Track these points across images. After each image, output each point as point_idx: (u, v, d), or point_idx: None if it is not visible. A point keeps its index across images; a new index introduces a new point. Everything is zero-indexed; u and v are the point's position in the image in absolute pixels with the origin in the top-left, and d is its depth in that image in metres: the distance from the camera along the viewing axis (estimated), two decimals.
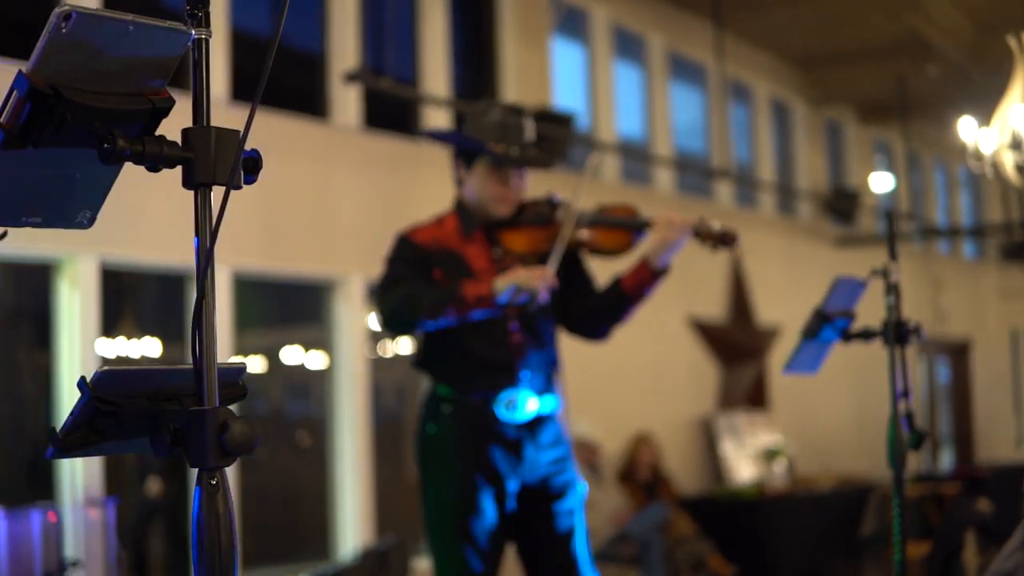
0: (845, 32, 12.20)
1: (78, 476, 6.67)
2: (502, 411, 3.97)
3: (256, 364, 8.56)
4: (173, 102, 1.76)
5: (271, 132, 7.94)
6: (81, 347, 6.73)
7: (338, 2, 8.43)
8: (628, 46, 11.49)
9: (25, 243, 6.53)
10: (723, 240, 4.02)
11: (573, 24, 10.89)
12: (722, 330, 11.97)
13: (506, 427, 3.99)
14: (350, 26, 8.46)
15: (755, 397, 12.25)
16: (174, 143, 1.73)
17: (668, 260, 4.02)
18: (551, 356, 4.13)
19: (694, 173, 10.97)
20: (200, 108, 1.77)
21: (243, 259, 7.64)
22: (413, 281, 4.01)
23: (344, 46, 8.39)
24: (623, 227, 4.13)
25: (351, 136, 8.43)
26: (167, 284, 7.71)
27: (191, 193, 1.77)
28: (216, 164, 1.74)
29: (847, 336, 3.51)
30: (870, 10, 11.40)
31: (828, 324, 3.50)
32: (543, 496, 4.07)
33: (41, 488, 6.86)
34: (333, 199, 8.24)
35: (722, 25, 11.14)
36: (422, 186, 8.66)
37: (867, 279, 3.54)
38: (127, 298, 7.71)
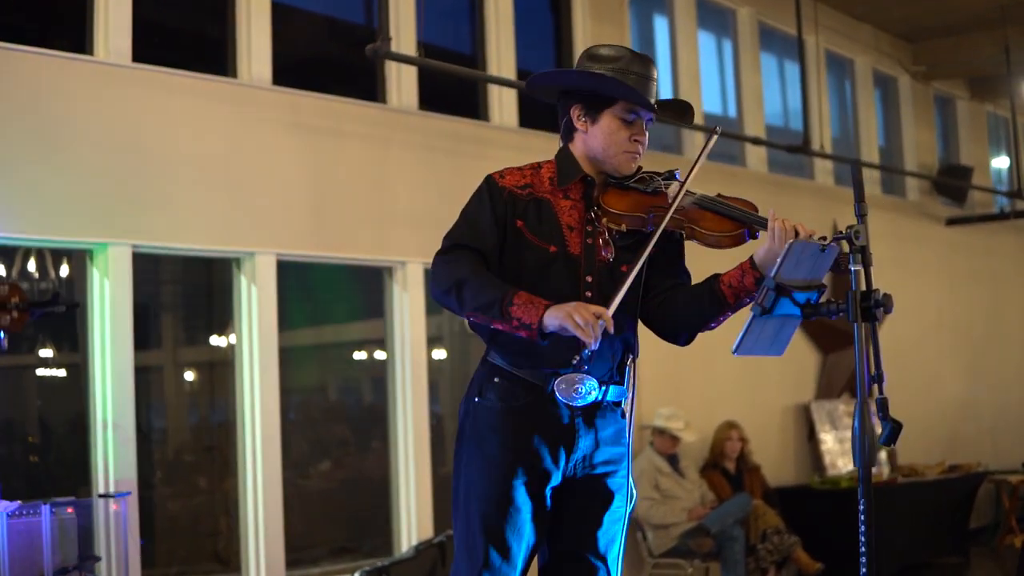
0: (949, 1, 11.66)
1: (111, 469, 6.54)
2: (559, 392, 3.52)
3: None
4: None
5: (325, 113, 7.72)
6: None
7: None
8: (713, 17, 11.05)
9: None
10: (837, 265, 3.41)
11: None
12: None
13: (561, 411, 3.55)
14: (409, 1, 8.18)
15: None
16: None
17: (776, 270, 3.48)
18: (627, 341, 3.65)
19: (790, 150, 10.46)
20: None
21: (291, 247, 7.44)
22: (474, 263, 3.54)
23: (402, 23, 8.10)
24: (735, 219, 3.57)
25: (407, 117, 8.16)
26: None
27: None
28: None
29: (808, 311, 3.08)
30: None
31: (784, 297, 3.07)
32: (586, 495, 3.63)
33: (71, 481, 6.75)
34: (389, 182, 7.98)
35: None
36: (483, 168, 8.36)
37: (826, 244, 3.12)
38: None
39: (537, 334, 3.39)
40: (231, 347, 7.45)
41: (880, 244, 12.23)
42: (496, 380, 3.58)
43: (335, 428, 8.69)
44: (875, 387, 3.06)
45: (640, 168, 3.72)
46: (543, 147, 9.00)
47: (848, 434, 11.21)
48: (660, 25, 10.59)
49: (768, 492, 9.69)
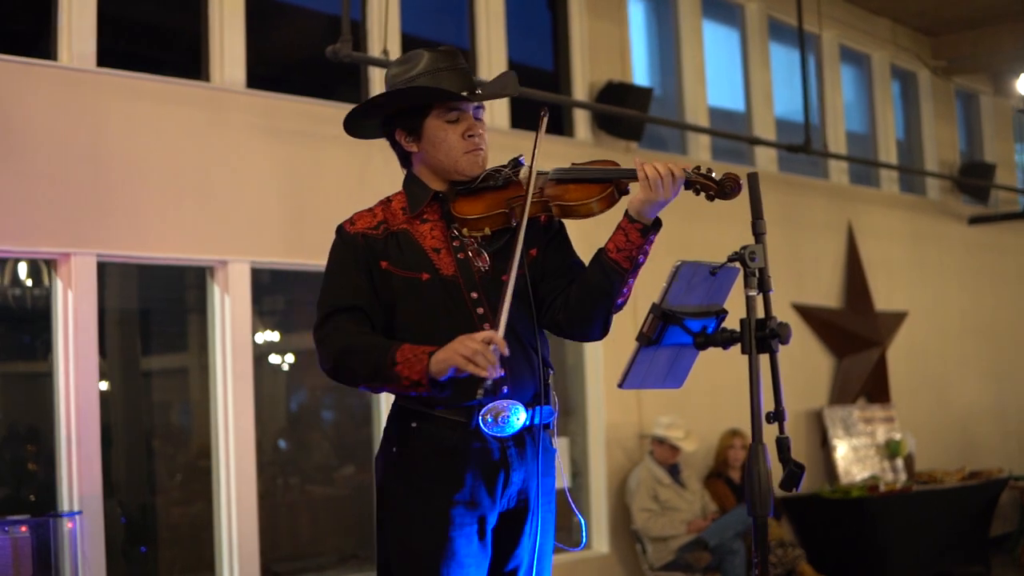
0: None
1: (75, 485, 6.35)
2: (485, 426, 3.27)
3: None
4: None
5: (303, 116, 7.50)
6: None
7: None
8: (720, 11, 10.76)
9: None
10: (723, 190, 3.24)
11: None
12: (835, 318, 11.16)
13: (490, 445, 3.30)
14: None
15: (875, 389, 11.39)
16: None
17: (655, 212, 3.27)
18: (544, 356, 3.42)
19: (790, 149, 10.15)
20: None
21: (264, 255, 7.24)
22: (352, 328, 3.29)
23: (390, 17, 7.86)
24: (599, 180, 3.32)
25: None
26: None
27: None
28: None
29: (700, 341, 2.78)
30: None
31: (674, 325, 2.78)
32: (520, 530, 3.37)
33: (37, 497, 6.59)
34: (371, 187, 7.73)
35: None
36: None
37: (718, 266, 2.83)
38: None
39: (431, 387, 3.16)
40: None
41: (900, 244, 11.95)
42: (415, 425, 3.32)
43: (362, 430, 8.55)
44: (770, 423, 2.78)
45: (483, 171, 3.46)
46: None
47: (863, 441, 10.91)
48: (664, 18, 10.30)
49: (776, 502, 9.40)
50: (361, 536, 8.32)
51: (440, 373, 3.13)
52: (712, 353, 10.87)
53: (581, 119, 9.16)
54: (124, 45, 7.04)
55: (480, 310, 3.31)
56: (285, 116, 7.40)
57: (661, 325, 2.78)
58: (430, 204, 3.44)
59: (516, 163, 3.45)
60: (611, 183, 3.32)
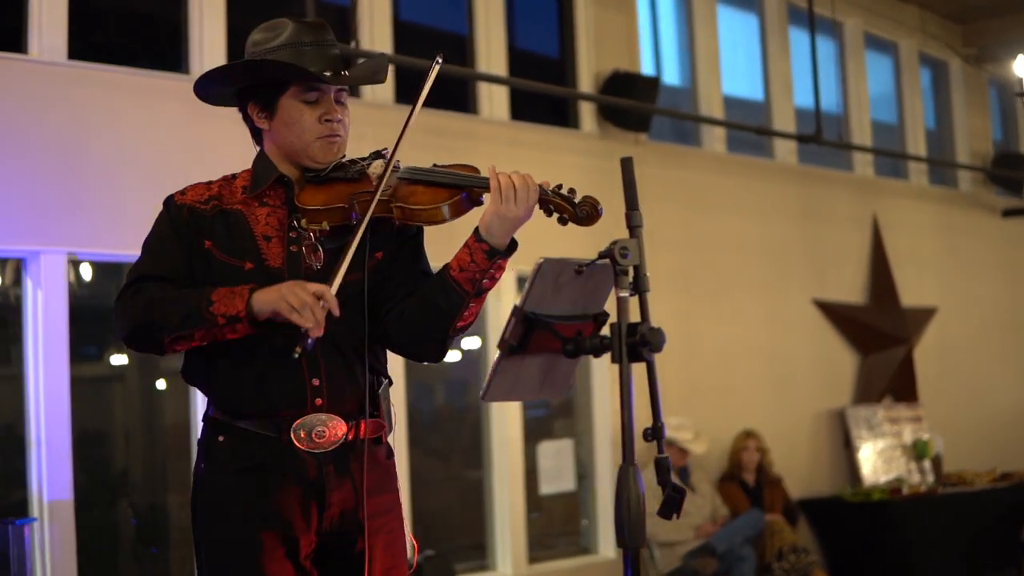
0: None
1: (44, 488, 6.17)
2: (298, 440, 2.97)
3: None
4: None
5: None
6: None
7: None
8: None
9: None
10: (577, 214, 2.95)
11: None
12: (859, 314, 10.81)
13: (304, 462, 2.99)
14: None
15: (901, 387, 11.03)
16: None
17: (507, 231, 2.95)
18: (372, 365, 3.09)
19: (801, 140, 9.79)
20: None
21: None
22: (161, 284, 3.01)
23: (375, 5, 7.62)
24: (450, 185, 3.00)
25: (384, 112, 7.67)
26: None
27: None
28: None
29: (570, 348, 2.45)
30: None
31: (542, 331, 2.46)
32: (354, 558, 3.03)
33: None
34: None
35: None
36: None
37: (583, 266, 2.50)
38: None
39: (248, 323, 2.88)
40: None
41: (929, 237, 11.58)
42: (221, 439, 3.01)
43: None
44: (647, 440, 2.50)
45: (343, 155, 3.16)
46: (537, 141, 8.59)
47: (889, 442, 10.56)
48: (678, 4, 9.98)
49: (789, 507, 9.09)
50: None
51: (261, 314, 2.88)
52: (728, 350, 10.46)
53: (587, 110, 8.86)
54: (99, 37, 6.80)
55: None
56: None
57: (524, 331, 2.48)
58: (273, 187, 3.13)
59: (377, 155, 3.14)
60: (462, 189, 3.00)
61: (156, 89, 6.73)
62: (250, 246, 3.05)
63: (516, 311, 2.49)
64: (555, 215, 2.99)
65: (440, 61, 3.05)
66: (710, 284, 9.51)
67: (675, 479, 8.25)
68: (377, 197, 2.97)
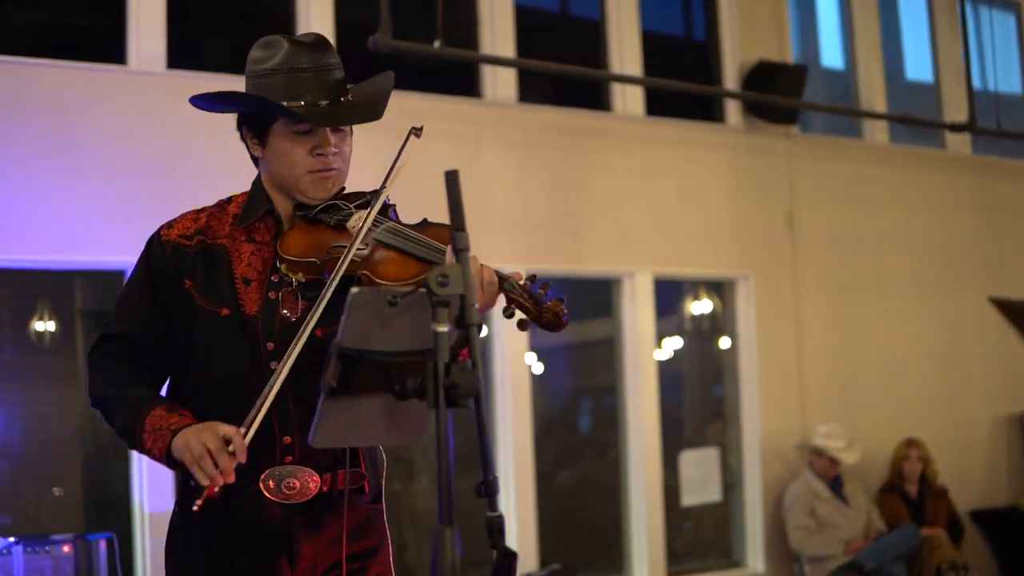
0: None
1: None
2: (267, 491, 2.78)
3: None
4: None
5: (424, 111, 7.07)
6: None
7: None
8: None
9: None
10: (541, 320, 2.73)
11: None
12: None
13: (270, 512, 2.80)
14: None
15: None
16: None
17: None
18: None
19: (837, 112, 9.00)
20: None
21: None
22: (118, 367, 2.85)
23: None
24: (420, 259, 2.77)
25: (502, 111, 7.43)
26: None
27: None
28: None
29: (398, 390, 2.10)
30: None
31: (366, 368, 2.14)
32: None
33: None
34: (481, 179, 7.26)
35: None
36: (598, 164, 7.60)
37: (396, 295, 2.11)
38: None
39: (169, 465, 2.72)
40: None
41: None
42: (193, 484, 2.74)
43: None
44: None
45: (343, 189, 2.89)
46: (676, 137, 8.20)
47: None
48: None
49: (954, 520, 8.51)
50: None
51: (179, 459, 2.67)
52: (891, 353, 9.77)
53: (732, 102, 8.43)
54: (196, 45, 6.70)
55: (274, 364, 2.75)
56: None
57: (344, 369, 2.19)
58: (264, 219, 2.91)
59: (365, 202, 2.87)
60: (431, 266, 2.70)
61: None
62: (227, 290, 2.86)
63: (334, 348, 2.21)
64: (516, 317, 2.75)
65: (418, 135, 2.86)
66: (870, 283, 9.00)
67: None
68: (348, 258, 2.72)
